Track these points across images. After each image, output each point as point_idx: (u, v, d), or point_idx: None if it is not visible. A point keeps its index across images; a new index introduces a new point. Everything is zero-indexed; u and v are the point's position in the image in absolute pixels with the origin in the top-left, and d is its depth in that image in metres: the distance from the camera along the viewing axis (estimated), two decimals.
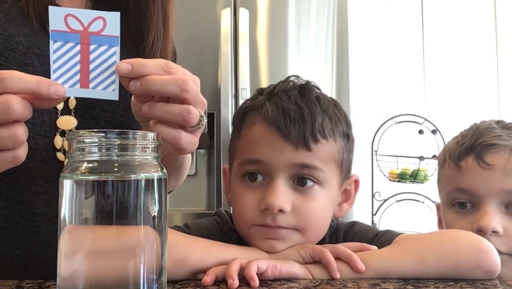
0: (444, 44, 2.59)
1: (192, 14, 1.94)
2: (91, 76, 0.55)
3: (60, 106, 0.74)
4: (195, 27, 1.92)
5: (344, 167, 0.75)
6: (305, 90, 0.74)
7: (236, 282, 0.61)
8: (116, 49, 0.56)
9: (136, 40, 0.80)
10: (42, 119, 0.73)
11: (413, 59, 2.58)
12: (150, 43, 0.81)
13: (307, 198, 0.70)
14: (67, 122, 0.75)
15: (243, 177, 0.72)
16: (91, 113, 0.77)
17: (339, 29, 2.03)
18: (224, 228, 0.79)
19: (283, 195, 0.68)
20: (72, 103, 0.75)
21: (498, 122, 0.89)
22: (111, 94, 0.56)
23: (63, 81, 0.55)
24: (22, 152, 0.54)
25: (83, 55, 0.55)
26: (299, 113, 0.69)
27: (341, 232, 0.79)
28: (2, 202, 0.72)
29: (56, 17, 0.53)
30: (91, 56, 0.55)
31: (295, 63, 1.99)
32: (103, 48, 0.55)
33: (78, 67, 0.55)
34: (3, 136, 0.51)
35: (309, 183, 0.70)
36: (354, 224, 0.81)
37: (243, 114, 0.75)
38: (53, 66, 0.55)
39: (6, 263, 0.72)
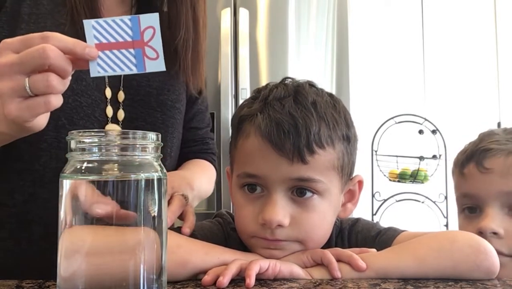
0: (444, 44, 2.59)
1: None
2: (107, 54, 0.59)
3: (109, 115, 0.84)
4: None
5: (346, 171, 0.73)
6: (301, 96, 0.70)
7: (225, 282, 0.61)
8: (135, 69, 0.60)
9: (169, 39, 0.88)
10: (92, 127, 0.81)
11: (413, 59, 2.58)
12: (182, 40, 0.89)
13: (306, 210, 0.69)
14: (113, 128, 0.83)
15: (242, 188, 0.72)
16: (134, 124, 0.86)
17: (339, 29, 2.03)
18: (227, 228, 0.79)
19: (281, 209, 0.67)
20: (121, 116, 0.85)
21: (505, 129, 0.91)
22: (93, 70, 0.59)
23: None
24: (54, 99, 0.56)
25: (120, 44, 0.59)
26: (293, 125, 0.66)
27: (345, 230, 0.79)
28: (56, 202, 0.79)
29: (150, 19, 0.59)
30: (121, 50, 0.59)
31: (295, 63, 1.99)
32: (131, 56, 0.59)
33: (111, 40, 0.59)
34: (36, 79, 0.55)
35: (308, 193, 0.69)
36: (357, 221, 0.80)
37: (238, 123, 0.73)
38: (102, 21, 0.59)
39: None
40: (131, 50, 0.58)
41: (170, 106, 0.92)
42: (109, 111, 0.84)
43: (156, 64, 0.59)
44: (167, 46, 0.87)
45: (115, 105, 0.85)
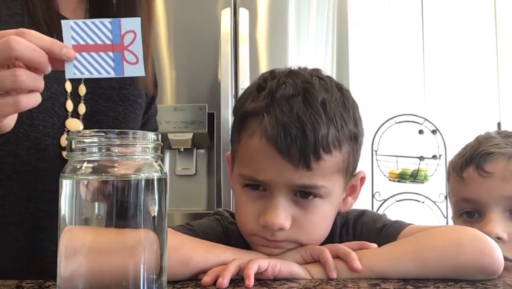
0: (444, 44, 2.59)
1: (192, 14, 1.94)
2: (85, 56, 0.58)
3: (69, 109, 0.80)
4: (195, 27, 1.92)
5: (350, 171, 0.72)
6: (310, 95, 0.67)
7: (225, 282, 0.61)
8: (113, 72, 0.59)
9: None
10: (52, 122, 0.78)
11: (413, 59, 2.57)
12: None
13: (308, 211, 0.69)
14: (74, 124, 0.81)
15: (244, 186, 0.71)
16: (95, 118, 0.83)
17: (339, 29, 2.02)
18: (225, 223, 0.80)
19: (283, 212, 0.67)
20: (82, 110, 0.82)
21: (500, 132, 0.90)
22: (68, 71, 0.58)
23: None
24: (24, 99, 0.54)
25: (99, 46, 0.58)
26: (300, 130, 0.64)
27: (351, 221, 0.78)
28: (12, 199, 0.76)
29: (131, 23, 0.58)
30: (100, 53, 0.58)
31: (295, 63, 1.98)
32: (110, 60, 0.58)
33: (88, 41, 0.58)
34: (3, 74, 0.53)
35: (310, 196, 0.68)
36: (363, 212, 0.79)
37: (242, 118, 0.71)
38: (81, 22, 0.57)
39: (11, 256, 0.76)
40: (110, 54, 0.57)
41: (133, 100, 0.90)
42: (69, 105, 0.81)
43: (135, 69, 0.58)
44: None
45: (76, 99, 0.82)
